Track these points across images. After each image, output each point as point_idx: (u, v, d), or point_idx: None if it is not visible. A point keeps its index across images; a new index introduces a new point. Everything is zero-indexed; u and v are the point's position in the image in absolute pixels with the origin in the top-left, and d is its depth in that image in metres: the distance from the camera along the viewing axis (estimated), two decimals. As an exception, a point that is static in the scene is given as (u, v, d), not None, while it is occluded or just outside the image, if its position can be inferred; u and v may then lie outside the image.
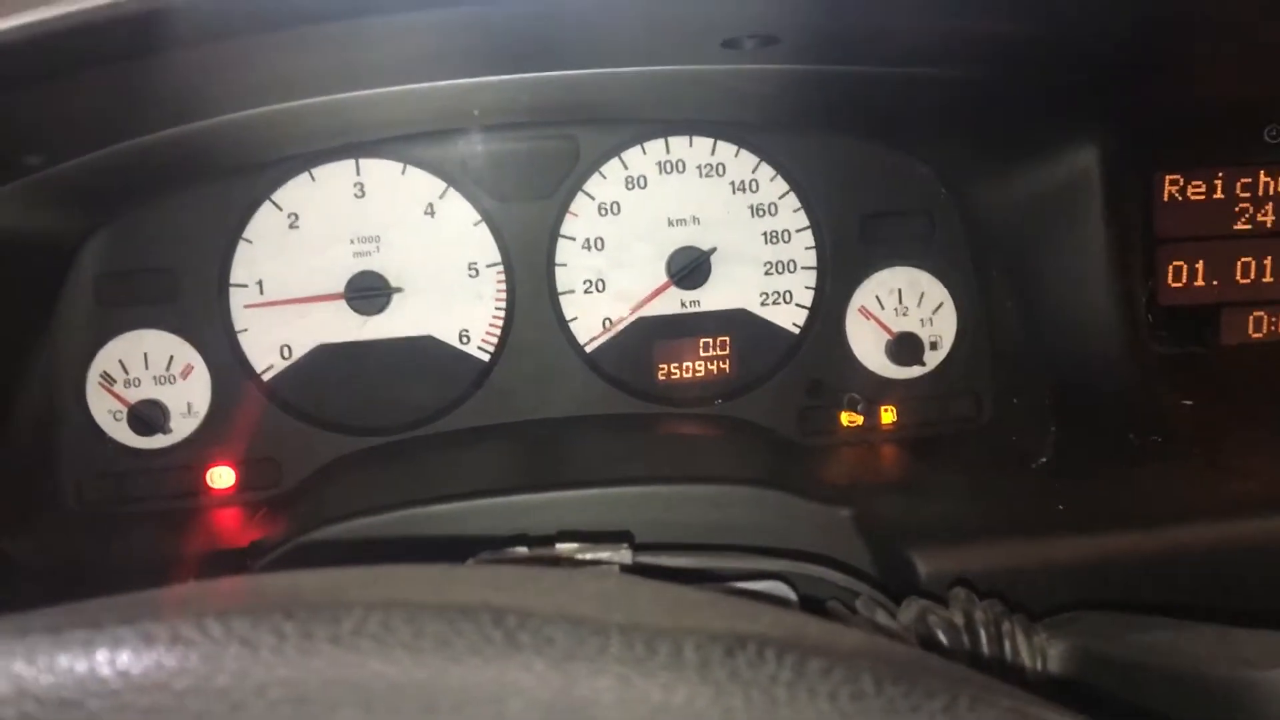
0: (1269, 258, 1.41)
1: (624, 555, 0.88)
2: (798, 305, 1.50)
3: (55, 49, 0.82)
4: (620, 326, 1.47)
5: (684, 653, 0.41)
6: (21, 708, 0.38)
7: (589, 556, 0.88)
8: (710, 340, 1.49)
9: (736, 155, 1.47)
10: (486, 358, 1.45)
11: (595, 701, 0.39)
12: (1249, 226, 1.40)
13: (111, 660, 0.39)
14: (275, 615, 0.41)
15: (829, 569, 0.94)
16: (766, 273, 1.49)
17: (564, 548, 0.89)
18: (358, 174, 1.40)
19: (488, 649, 0.40)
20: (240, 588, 0.46)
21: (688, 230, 1.47)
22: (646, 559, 0.90)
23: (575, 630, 0.42)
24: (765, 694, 0.40)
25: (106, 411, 1.37)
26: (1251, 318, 1.41)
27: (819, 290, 1.50)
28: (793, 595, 0.89)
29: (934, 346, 1.51)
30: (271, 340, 1.40)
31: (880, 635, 0.81)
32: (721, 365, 1.50)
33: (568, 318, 1.46)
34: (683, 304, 1.48)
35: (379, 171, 1.41)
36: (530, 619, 0.42)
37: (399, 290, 1.41)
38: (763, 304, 1.50)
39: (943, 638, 0.82)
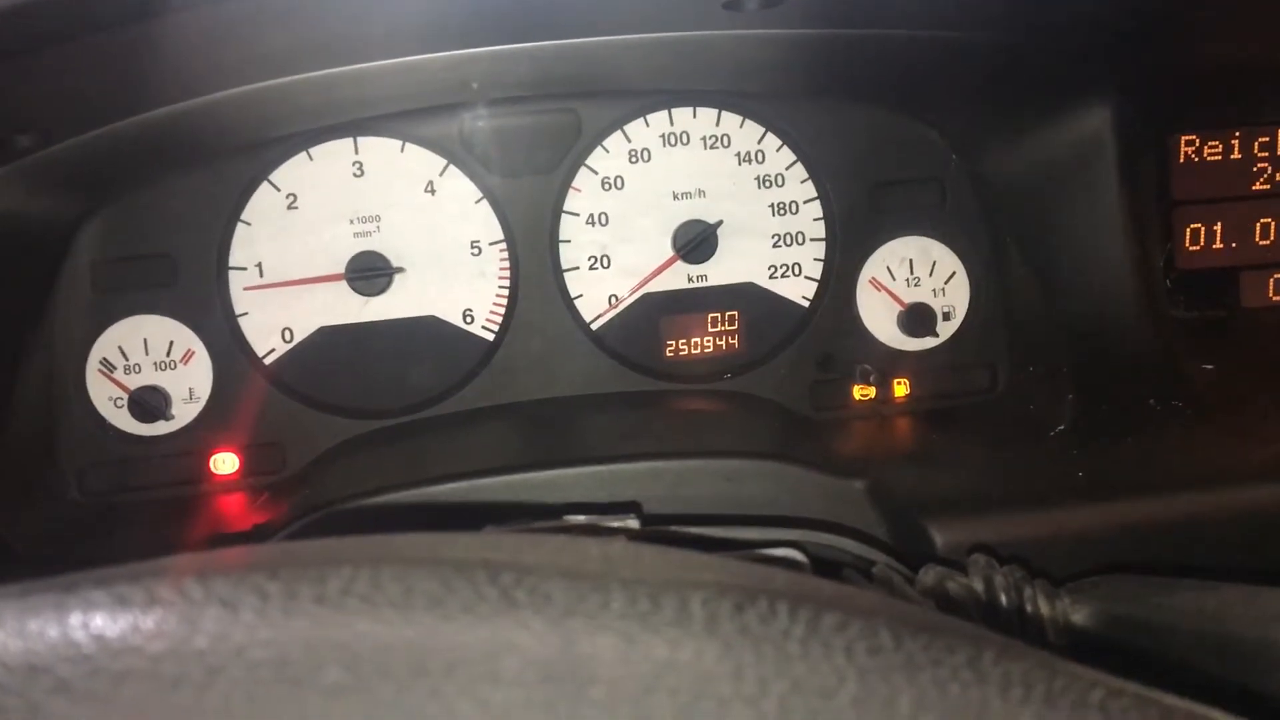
0: (1289, 218, 1.38)
1: (631, 524, 0.86)
2: (807, 278, 1.48)
3: (41, 16, 0.80)
4: (626, 303, 1.45)
5: (690, 608, 0.39)
6: (-12, 674, 0.36)
7: (596, 527, 0.86)
8: (718, 315, 1.47)
9: (741, 125, 1.45)
10: (491, 337, 1.43)
11: (596, 659, 0.37)
12: (1268, 186, 1.37)
13: (84, 623, 0.37)
14: (258, 575, 0.39)
15: (844, 537, 0.92)
16: (774, 245, 1.46)
17: (571, 519, 0.87)
18: (356, 152, 1.38)
19: (482, 606, 0.38)
20: (222, 552, 0.44)
21: (693, 203, 1.44)
22: (655, 530, 0.88)
23: (574, 586, 0.39)
24: (777, 649, 0.38)
25: (107, 399, 1.35)
26: (1272, 280, 1.38)
27: (828, 262, 1.47)
28: (805, 561, 0.87)
29: (947, 317, 1.49)
30: (272, 323, 1.38)
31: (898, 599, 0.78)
32: (730, 340, 1.47)
33: (573, 295, 1.44)
34: (689, 279, 1.46)
35: (378, 150, 1.39)
36: (527, 575, 0.40)
37: (400, 270, 1.39)
38: (771, 277, 1.47)
39: (962, 603, 0.80)
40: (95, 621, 0.37)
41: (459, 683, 0.37)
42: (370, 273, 1.38)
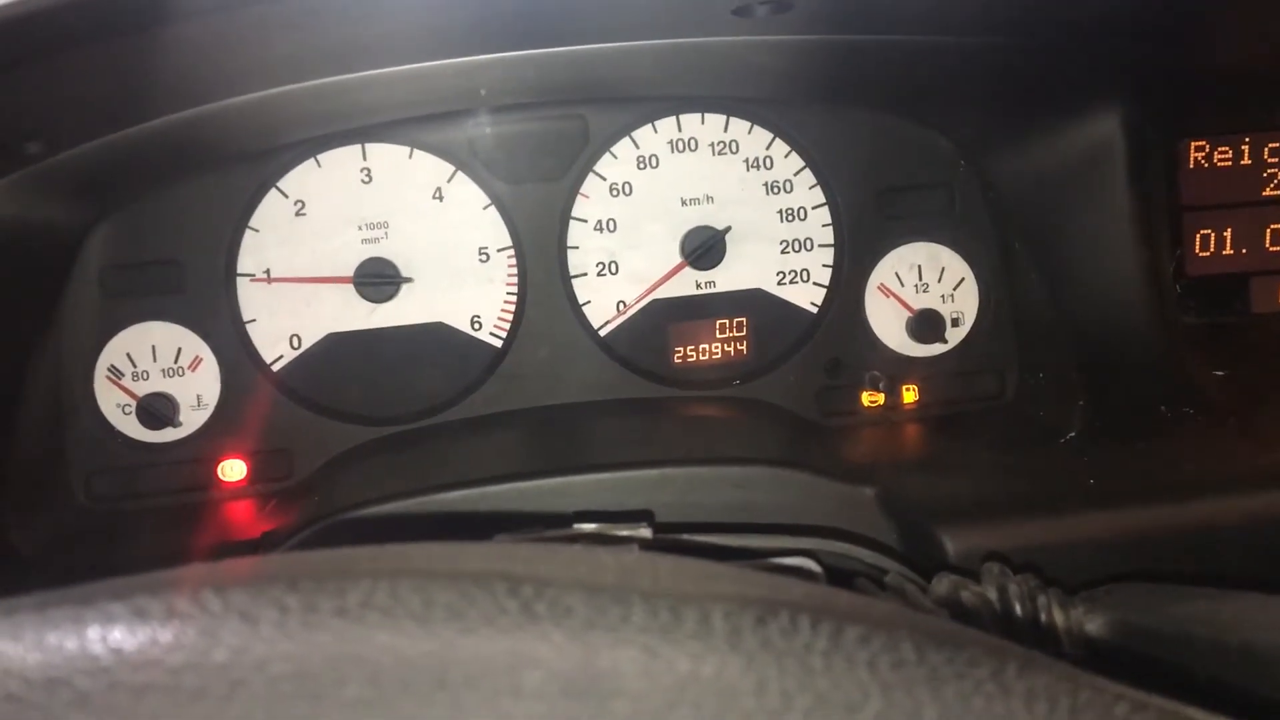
0: (1299, 224, 1.37)
1: (644, 533, 0.85)
2: (815, 284, 1.47)
3: (50, 23, 0.80)
4: (634, 309, 1.45)
5: (712, 621, 0.39)
6: (6, 688, 0.35)
7: (608, 535, 0.86)
8: (726, 321, 1.46)
9: (750, 131, 1.44)
10: (499, 344, 1.43)
11: (618, 673, 0.37)
12: (1278, 192, 1.36)
13: (102, 636, 0.37)
14: (277, 588, 0.38)
15: (857, 545, 0.92)
16: (783, 251, 1.46)
17: (582, 527, 0.87)
18: (364, 159, 1.38)
19: (502, 619, 0.38)
20: (241, 564, 0.44)
21: (701, 209, 1.44)
22: (667, 538, 0.87)
23: (595, 599, 0.39)
24: (800, 663, 0.38)
25: (115, 405, 1.35)
26: (1282, 286, 1.37)
27: (837, 268, 1.47)
28: (819, 570, 0.87)
29: (956, 323, 1.48)
30: (280, 330, 1.38)
31: (913, 609, 0.78)
32: (738, 346, 1.47)
33: (581, 301, 1.44)
34: (698, 285, 1.46)
35: (386, 156, 1.39)
36: (547, 588, 0.39)
37: (409, 281, 1.39)
38: (779, 283, 1.47)
39: (976, 612, 0.79)
40: (114, 634, 0.37)
41: (480, 696, 0.36)
42: (378, 280, 1.37)
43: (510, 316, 1.43)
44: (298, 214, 1.37)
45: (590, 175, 1.43)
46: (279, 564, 0.43)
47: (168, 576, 0.41)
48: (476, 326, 1.42)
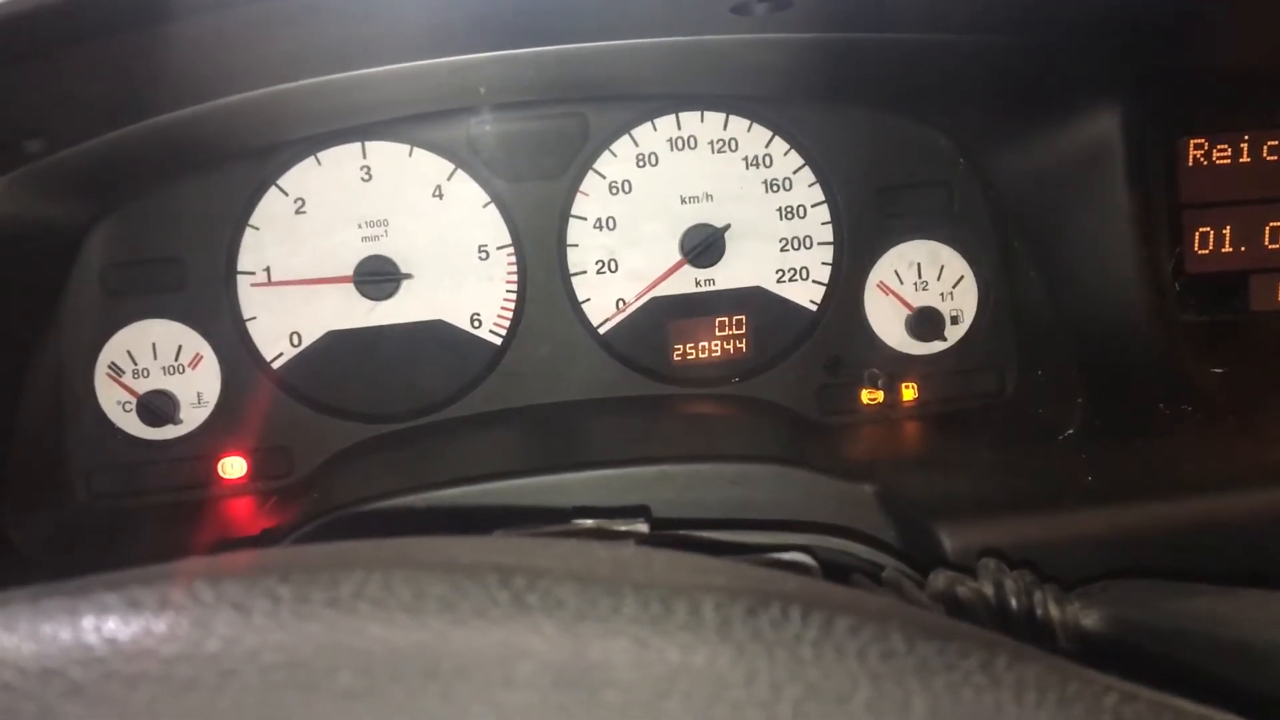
0: (1298, 222, 1.37)
1: (640, 528, 0.86)
2: (815, 282, 1.47)
3: (50, 21, 0.80)
4: (634, 307, 1.45)
5: (703, 612, 0.39)
6: (1, 678, 0.35)
7: (605, 530, 0.86)
8: (726, 319, 1.46)
9: (749, 130, 1.44)
10: (499, 341, 1.43)
11: (609, 664, 0.37)
12: (1277, 190, 1.36)
13: (96, 627, 0.37)
14: (269, 579, 0.39)
15: (854, 542, 0.92)
16: (782, 249, 1.46)
17: (580, 523, 0.87)
18: (364, 157, 1.38)
19: (494, 611, 0.38)
20: (234, 556, 0.44)
21: (701, 207, 1.44)
22: (664, 534, 0.88)
23: (586, 590, 0.39)
24: (790, 654, 0.38)
25: (115, 403, 1.35)
26: (1281, 283, 1.37)
27: (836, 266, 1.47)
28: (815, 565, 0.87)
29: (955, 321, 1.48)
30: (281, 328, 1.38)
31: (907, 604, 0.78)
32: (738, 344, 1.47)
33: (580, 299, 1.44)
34: (697, 283, 1.46)
35: (386, 154, 1.39)
36: (539, 579, 0.40)
37: (408, 277, 1.39)
38: (779, 281, 1.47)
39: (972, 608, 0.79)
40: (108, 625, 0.37)
41: (472, 687, 0.37)
42: (378, 276, 1.38)
43: (510, 314, 1.43)
44: (298, 212, 1.38)
45: (590, 173, 1.43)
46: (271, 556, 0.43)
47: (161, 568, 0.41)
48: (476, 324, 1.42)
